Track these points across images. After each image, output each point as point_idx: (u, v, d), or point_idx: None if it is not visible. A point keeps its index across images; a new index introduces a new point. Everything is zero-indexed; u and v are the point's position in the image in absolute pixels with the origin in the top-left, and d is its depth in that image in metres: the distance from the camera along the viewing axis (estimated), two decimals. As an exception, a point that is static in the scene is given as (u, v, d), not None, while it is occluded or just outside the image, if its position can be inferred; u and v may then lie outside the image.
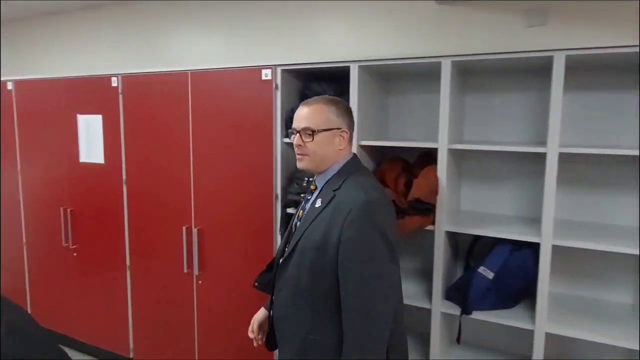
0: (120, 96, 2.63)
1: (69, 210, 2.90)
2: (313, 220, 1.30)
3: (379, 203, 1.26)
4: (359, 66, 1.99)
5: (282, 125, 2.22)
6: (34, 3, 3.32)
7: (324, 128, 1.31)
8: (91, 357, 3.01)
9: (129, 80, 2.61)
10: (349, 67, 2.01)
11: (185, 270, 2.49)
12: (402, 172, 2.05)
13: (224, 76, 2.33)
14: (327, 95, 1.41)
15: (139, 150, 2.63)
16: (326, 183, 1.35)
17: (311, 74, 2.27)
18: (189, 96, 2.41)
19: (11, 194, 3.20)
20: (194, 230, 2.46)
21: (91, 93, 2.74)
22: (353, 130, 1.41)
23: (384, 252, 1.23)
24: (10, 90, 3.10)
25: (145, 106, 2.57)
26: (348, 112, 1.38)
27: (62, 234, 2.94)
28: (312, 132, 1.31)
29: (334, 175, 1.35)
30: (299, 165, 1.37)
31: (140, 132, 2.61)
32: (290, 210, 2.22)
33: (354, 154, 1.43)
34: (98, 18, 3.34)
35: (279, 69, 2.18)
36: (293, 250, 1.33)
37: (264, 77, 2.20)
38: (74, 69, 3.45)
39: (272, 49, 2.68)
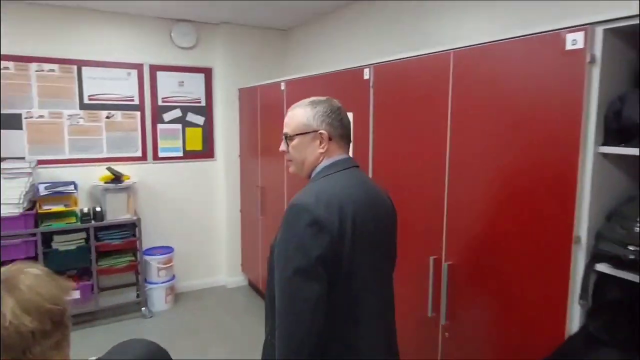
0: (371, 90, 2.24)
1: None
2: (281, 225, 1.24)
3: (303, 208, 1.15)
4: None
5: (597, 123, 1.33)
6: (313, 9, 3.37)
7: (299, 132, 1.30)
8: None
9: (381, 70, 2.19)
10: None
11: (430, 315, 1.91)
12: None
13: (500, 51, 1.60)
14: (312, 98, 1.33)
15: (385, 156, 2.19)
16: None
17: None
18: (448, 86, 1.79)
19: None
20: (444, 265, 1.84)
21: (343, 89, 2.46)
22: (341, 130, 1.31)
23: (292, 262, 1.12)
24: (282, 91, 3.21)
25: (396, 101, 2.10)
26: (330, 113, 1.29)
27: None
28: (288, 138, 1.32)
29: (312, 178, 1.32)
30: (290, 169, 1.37)
31: (388, 133, 2.16)
32: (601, 268, 1.32)
33: (347, 157, 1.32)
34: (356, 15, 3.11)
35: (598, 30, 1.30)
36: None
37: (570, 46, 1.35)
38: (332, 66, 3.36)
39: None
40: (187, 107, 4.13)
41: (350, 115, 2.38)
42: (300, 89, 2.97)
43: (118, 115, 3.84)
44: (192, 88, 4.13)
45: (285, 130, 1.32)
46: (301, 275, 1.11)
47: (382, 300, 1.32)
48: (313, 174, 1.31)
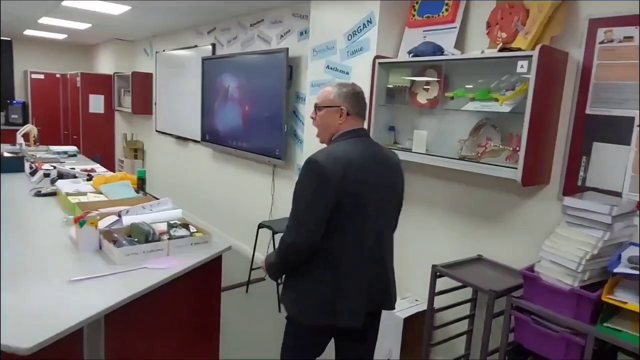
0: None
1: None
2: None
3: (314, 162, 1.50)
4: None
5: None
6: None
7: (326, 105, 1.64)
8: None
9: None
10: None
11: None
12: None
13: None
14: (341, 81, 1.95)
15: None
16: None
17: None
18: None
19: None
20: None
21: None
22: (358, 109, 1.64)
23: (304, 200, 1.51)
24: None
25: None
26: (352, 96, 1.63)
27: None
28: (317, 107, 1.67)
29: (330, 143, 1.65)
30: (317, 135, 1.70)
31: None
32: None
33: (359, 128, 1.64)
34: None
35: None
36: None
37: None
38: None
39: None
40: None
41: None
42: None
43: None
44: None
45: (317, 101, 1.67)
46: (314, 201, 1.49)
47: (380, 242, 1.62)
48: (333, 139, 1.63)
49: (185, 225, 2.10)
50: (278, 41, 3.84)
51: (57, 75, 7.59)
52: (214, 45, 4.76)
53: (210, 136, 4.72)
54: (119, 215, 2.16)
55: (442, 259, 2.28)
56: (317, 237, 1.49)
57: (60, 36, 6.84)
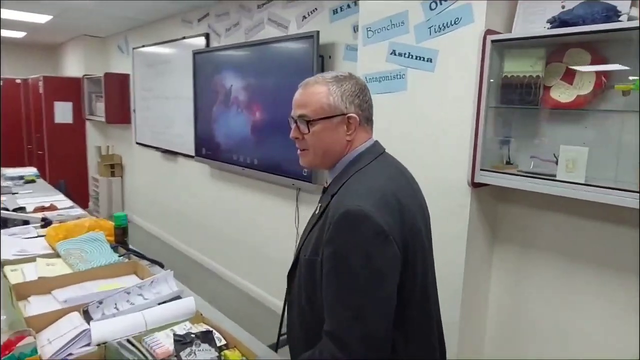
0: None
1: None
2: (310, 230, 1.07)
3: (363, 216, 0.93)
4: None
5: None
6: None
7: (323, 116, 1.05)
8: None
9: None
10: None
11: None
12: None
13: None
14: (331, 72, 1.10)
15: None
16: (332, 182, 1.10)
17: None
18: None
19: None
20: None
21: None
22: (368, 112, 1.11)
23: (366, 283, 0.93)
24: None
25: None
26: (359, 92, 1.08)
27: None
28: (308, 122, 1.05)
29: (341, 171, 1.08)
30: (301, 162, 1.14)
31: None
32: None
33: (375, 141, 1.14)
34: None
35: None
36: (296, 261, 1.11)
37: None
38: None
39: None
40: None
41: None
42: None
43: None
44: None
45: (301, 111, 1.07)
46: (377, 287, 0.93)
47: (434, 294, 1.15)
48: (339, 165, 1.10)
49: (207, 336, 1.15)
50: (299, 25, 2.91)
51: (17, 81, 6.47)
52: (207, 36, 3.79)
53: (208, 150, 3.75)
54: (85, 317, 1.21)
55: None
56: (390, 339, 0.97)
57: (19, 34, 5.77)
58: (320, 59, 2.63)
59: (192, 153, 4.04)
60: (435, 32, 1.83)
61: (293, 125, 1.11)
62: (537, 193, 1.62)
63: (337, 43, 2.64)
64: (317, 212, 1.09)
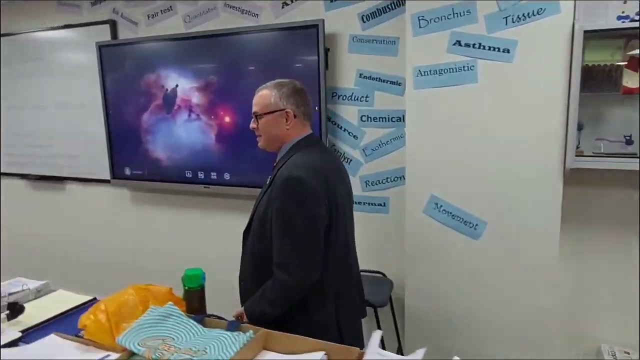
0: None
1: None
2: (262, 195, 1.45)
3: (299, 180, 1.32)
4: None
5: None
6: None
7: (267, 111, 1.45)
8: None
9: None
10: None
11: None
12: None
13: None
14: (277, 80, 1.50)
15: None
16: (279, 160, 1.48)
17: None
18: None
19: None
20: None
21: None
22: (304, 109, 1.48)
23: (302, 225, 1.31)
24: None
25: None
26: (294, 94, 1.46)
27: None
28: (257, 116, 1.47)
29: (285, 153, 1.47)
30: (259, 144, 1.51)
31: None
32: None
33: (311, 132, 1.52)
34: None
35: None
36: (251, 220, 1.49)
37: None
38: None
39: None
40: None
41: None
42: None
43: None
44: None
45: (255, 109, 1.48)
46: (312, 235, 1.33)
47: (354, 250, 1.59)
48: (283, 148, 1.48)
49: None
50: (277, 13, 2.50)
51: None
52: (113, 24, 2.96)
53: (136, 170, 2.95)
54: None
55: None
56: (320, 266, 1.35)
57: None
58: (326, 52, 2.32)
59: (97, 176, 3.15)
60: (513, 22, 1.80)
61: (252, 119, 1.49)
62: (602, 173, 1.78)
63: (338, 34, 2.37)
64: (267, 182, 1.45)
